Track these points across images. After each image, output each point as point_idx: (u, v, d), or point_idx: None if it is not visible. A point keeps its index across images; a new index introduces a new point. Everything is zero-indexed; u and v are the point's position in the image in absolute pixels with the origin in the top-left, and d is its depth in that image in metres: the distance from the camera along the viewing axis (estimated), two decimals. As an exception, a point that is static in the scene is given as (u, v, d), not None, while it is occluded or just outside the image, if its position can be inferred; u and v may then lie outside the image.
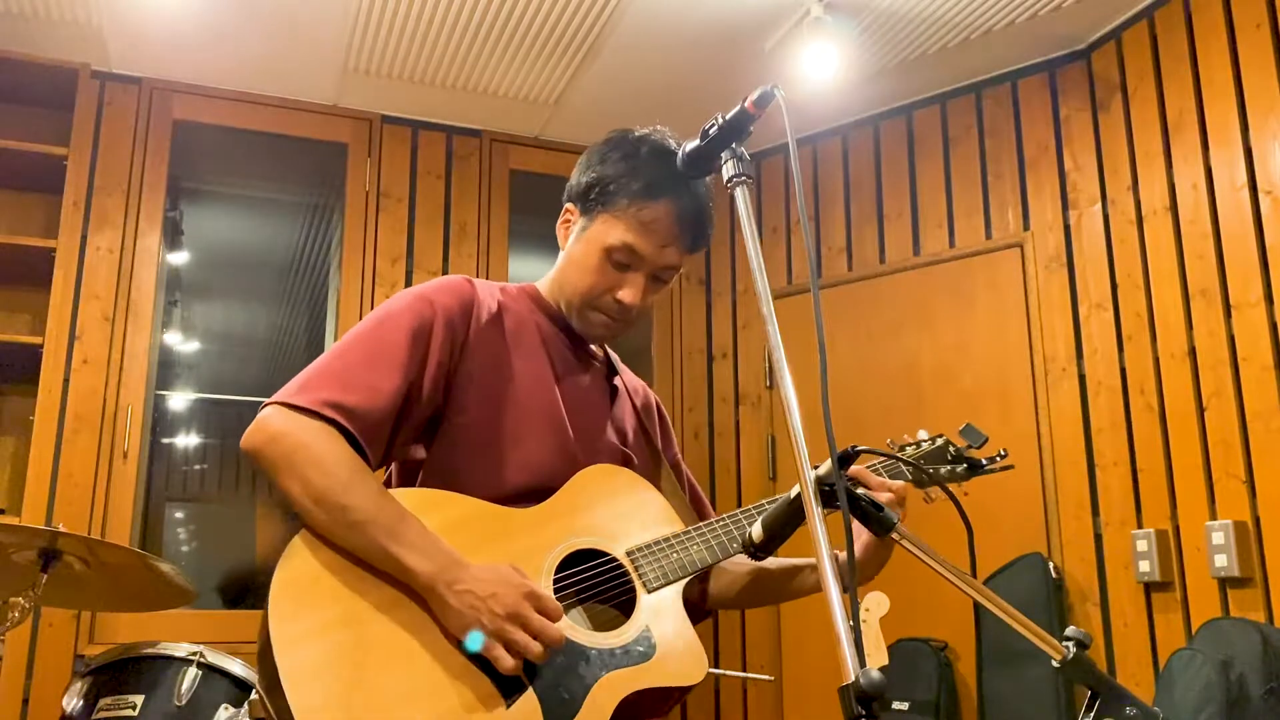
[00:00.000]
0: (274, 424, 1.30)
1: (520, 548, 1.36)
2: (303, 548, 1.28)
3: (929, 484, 1.60)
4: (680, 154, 1.34)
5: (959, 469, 1.65)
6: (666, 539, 1.44)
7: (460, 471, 1.43)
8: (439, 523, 1.32)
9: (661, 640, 1.35)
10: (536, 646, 1.23)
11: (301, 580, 1.25)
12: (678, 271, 1.55)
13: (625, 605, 1.38)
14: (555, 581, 1.36)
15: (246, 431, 1.32)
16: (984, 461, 1.67)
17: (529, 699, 1.24)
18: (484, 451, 1.44)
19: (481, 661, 1.25)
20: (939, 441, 1.67)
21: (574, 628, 1.32)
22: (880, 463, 1.59)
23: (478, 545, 1.33)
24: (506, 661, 1.22)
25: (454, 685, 1.23)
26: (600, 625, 1.36)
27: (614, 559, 1.41)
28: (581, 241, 1.53)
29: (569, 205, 1.57)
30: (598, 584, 1.39)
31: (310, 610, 1.23)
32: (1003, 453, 1.68)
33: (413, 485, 1.47)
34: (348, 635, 1.22)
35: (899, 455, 1.59)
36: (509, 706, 1.23)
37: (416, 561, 1.25)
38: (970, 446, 1.67)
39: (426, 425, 1.46)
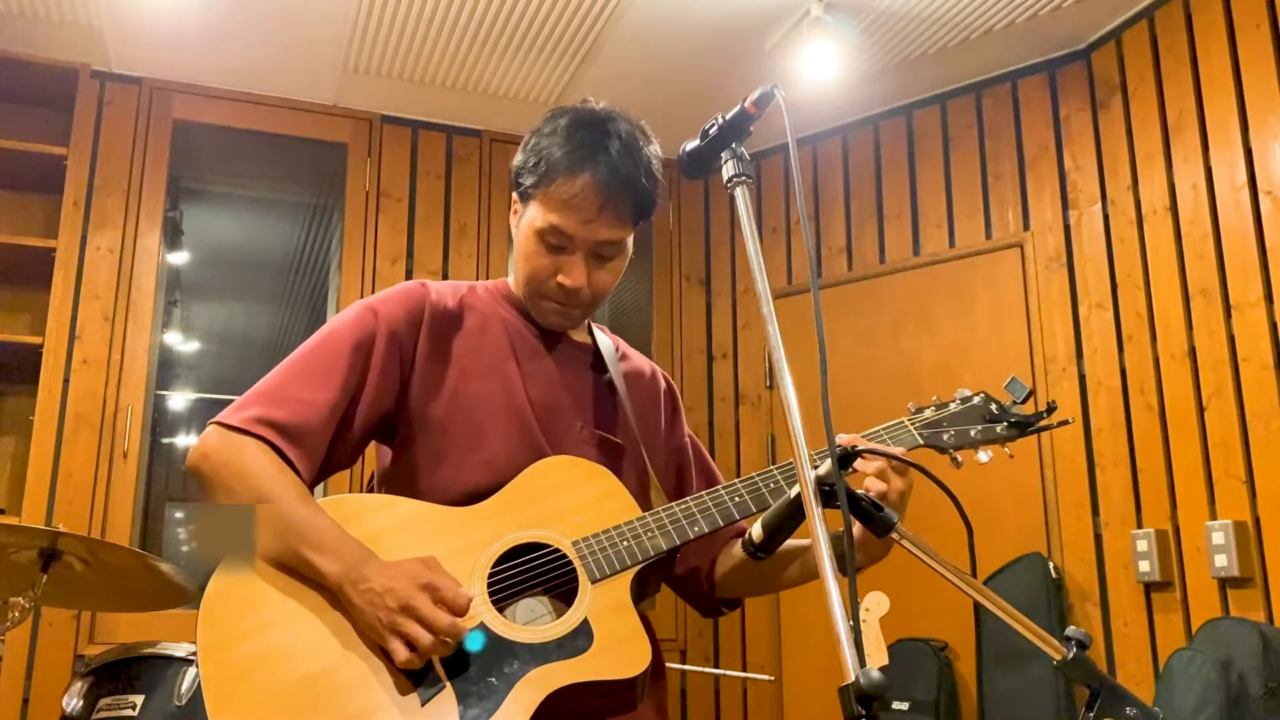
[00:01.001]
0: (208, 443, 1.37)
1: (457, 545, 1.35)
2: (235, 559, 1.31)
3: (954, 448, 1.49)
4: (680, 154, 1.32)
5: (999, 428, 1.50)
6: (618, 527, 1.40)
7: (424, 474, 1.43)
8: (374, 527, 1.34)
9: (601, 632, 1.31)
10: (425, 636, 1.21)
11: (230, 588, 1.29)
12: (622, 246, 1.50)
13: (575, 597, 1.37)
14: (493, 577, 1.34)
15: (189, 450, 1.39)
16: (1032, 418, 1.50)
17: (445, 697, 1.23)
18: (447, 453, 1.44)
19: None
20: (976, 400, 1.53)
21: (504, 622, 1.30)
22: (889, 428, 1.51)
23: (416, 546, 1.33)
24: (400, 654, 1.22)
25: (369, 685, 1.23)
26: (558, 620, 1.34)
27: (559, 551, 1.38)
28: (520, 230, 1.51)
29: (513, 195, 1.55)
30: (539, 577, 1.37)
31: (233, 617, 1.26)
32: (1052, 405, 1.50)
33: (383, 490, 1.48)
34: (266, 640, 1.25)
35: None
36: (424, 704, 1.23)
37: (325, 563, 1.28)
38: (1015, 402, 1.50)
39: (383, 432, 1.47)
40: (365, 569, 1.27)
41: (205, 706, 1.20)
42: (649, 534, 1.40)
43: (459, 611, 1.25)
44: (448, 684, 1.24)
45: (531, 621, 1.33)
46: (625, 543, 1.39)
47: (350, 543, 1.30)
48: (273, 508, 1.30)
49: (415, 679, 1.24)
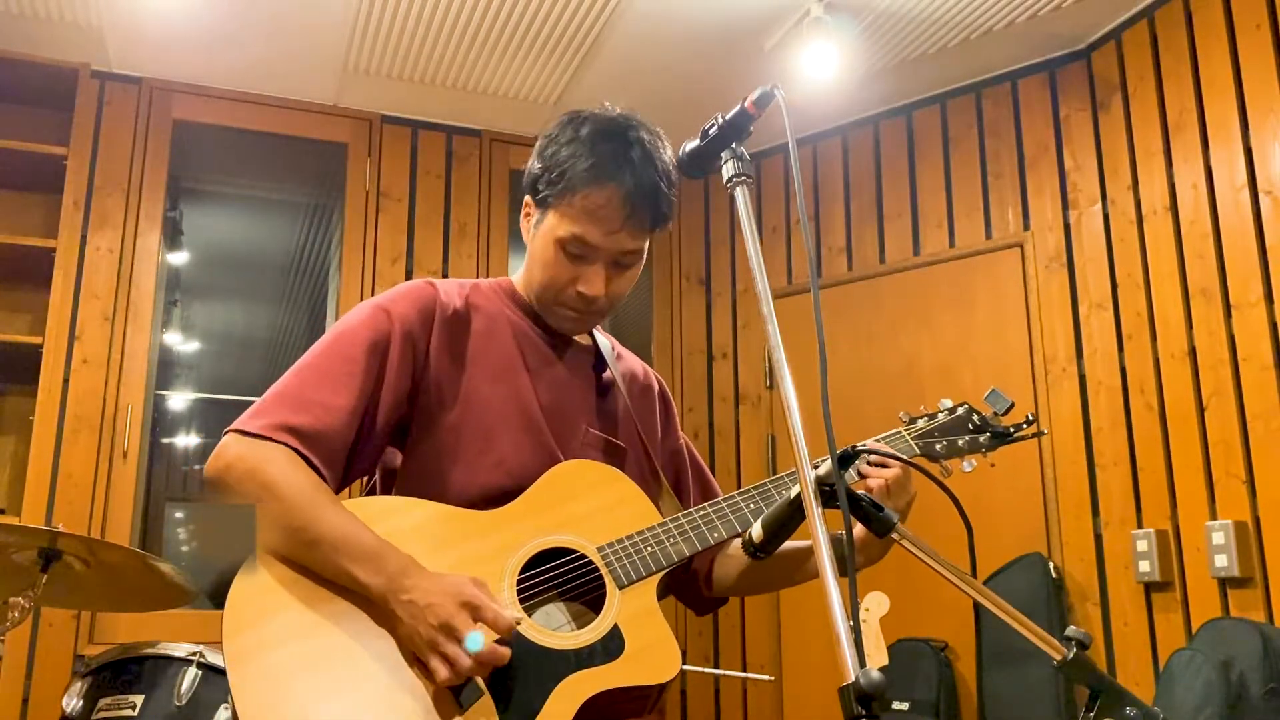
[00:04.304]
0: (230, 451, 1.33)
1: (482, 550, 1.34)
2: (259, 562, 1.30)
3: (944, 457, 1.54)
4: (680, 154, 1.31)
5: (982, 438, 1.57)
6: (641, 533, 1.41)
7: (435, 477, 1.42)
8: (399, 529, 1.32)
9: (632, 638, 1.32)
10: (465, 659, 1.20)
11: (256, 594, 1.27)
12: (641, 254, 1.49)
13: (602, 603, 1.36)
14: (521, 582, 1.34)
15: (208, 460, 1.35)
16: (1010, 429, 1.57)
17: (485, 704, 1.23)
18: (458, 455, 1.42)
19: None
20: (960, 410, 1.59)
21: (538, 629, 1.30)
22: (887, 438, 1.55)
23: (438, 550, 1.32)
24: (439, 673, 1.20)
25: (408, 693, 1.22)
26: (583, 626, 1.34)
27: (585, 557, 1.38)
28: (538, 236, 1.49)
29: (527, 199, 1.53)
30: (567, 583, 1.37)
31: (262, 623, 1.24)
32: (1030, 417, 1.57)
33: (390, 493, 1.47)
34: (299, 647, 1.23)
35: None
36: (463, 712, 1.22)
37: (366, 574, 1.26)
38: (996, 414, 1.57)
39: (397, 433, 1.46)
40: (407, 580, 1.25)
41: (236, 715, 1.18)
42: (671, 540, 1.42)
43: (502, 634, 1.24)
44: (485, 691, 1.24)
45: (552, 629, 1.33)
46: (649, 548, 1.40)
47: (389, 551, 1.28)
48: (305, 517, 1.28)
49: (453, 687, 1.24)
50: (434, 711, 1.21)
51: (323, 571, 1.28)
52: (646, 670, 1.30)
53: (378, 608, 1.26)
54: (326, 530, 1.27)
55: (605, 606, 1.34)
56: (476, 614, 1.23)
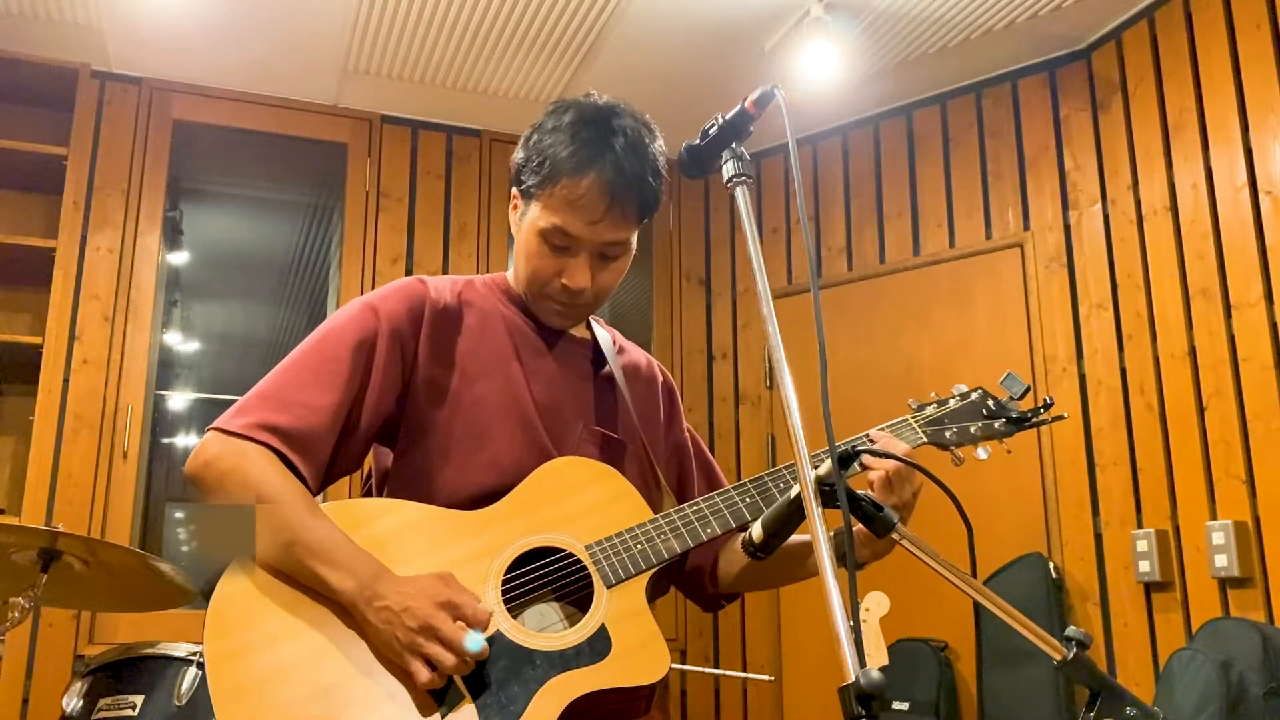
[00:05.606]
0: (209, 449, 1.32)
1: (468, 550, 1.33)
2: (241, 567, 1.29)
3: (955, 445, 1.50)
4: (680, 154, 1.30)
5: (998, 424, 1.51)
6: (631, 530, 1.38)
7: (428, 476, 1.40)
8: (387, 531, 1.31)
9: (619, 638, 1.30)
10: (449, 658, 1.20)
11: (236, 598, 1.26)
12: (626, 245, 1.46)
13: (590, 602, 1.35)
14: (507, 582, 1.32)
15: (189, 457, 1.34)
16: (1029, 414, 1.50)
17: (466, 708, 1.22)
18: (450, 453, 1.41)
19: None
20: (974, 395, 1.54)
21: (522, 630, 1.29)
22: (892, 426, 1.51)
23: (422, 552, 1.31)
24: (421, 676, 1.20)
25: (387, 699, 1.21)
26: (576, 626, 1.32)
27: (573, 555, 1.36)
28: (523, 228, 1.47)
29: (513, 190, 1.51)
30: (555, 582, 1.35)
31: (241, 628, 1.23)
32: (1048, 400, 1.51)
33: (384, 493, 1.45)
34: (278, 652, 1.22)
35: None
36: (444, 717, 1.21)
37: (339, 579, 1.25)
38: (1012, 397, 1.51)
39: (385, 433, 1.44)
40: (379, 585, 1.24)
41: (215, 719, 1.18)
42: (662, 537, 1.39)
43: (480, 628, 1.23)
44: (467, 695, 1.22)
45: (545, 628, 1.31)
46: (639, 546, 1.37)
47: (362, 556, 1.27)
48: (280, 519, 1.27)
49: (434, 692, 1.23)
50: (416, 715, 1.21)
51: (296, 574, 1.27)
52: (633, 671, 1.28)
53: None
54: (301, 533, 1.26)
55: (593, 606, 1.32)
56: (456, 612, 1.23)
